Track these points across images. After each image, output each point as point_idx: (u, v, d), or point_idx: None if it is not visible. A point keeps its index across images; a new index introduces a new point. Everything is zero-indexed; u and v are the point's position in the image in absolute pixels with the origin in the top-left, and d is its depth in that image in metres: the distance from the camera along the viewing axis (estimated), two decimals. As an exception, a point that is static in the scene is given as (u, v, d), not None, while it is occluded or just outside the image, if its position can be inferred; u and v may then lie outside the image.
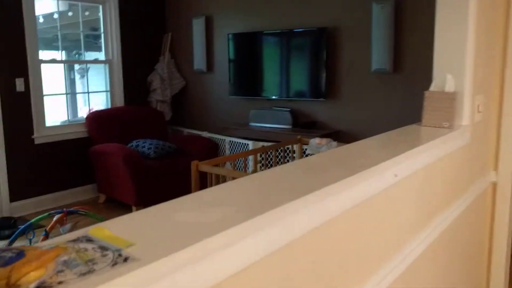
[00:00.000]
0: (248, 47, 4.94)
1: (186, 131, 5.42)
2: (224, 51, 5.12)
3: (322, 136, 3.72)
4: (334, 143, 3.30)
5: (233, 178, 2.57)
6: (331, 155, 1.32)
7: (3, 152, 4.28)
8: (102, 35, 5.16)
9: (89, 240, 0.66)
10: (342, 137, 4.29)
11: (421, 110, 1.85)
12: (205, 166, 2.73)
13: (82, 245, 0.63)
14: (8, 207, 4.36)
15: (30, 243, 3.07)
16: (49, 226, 3.00)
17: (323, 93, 4.39)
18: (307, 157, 1.32)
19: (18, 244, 3.24)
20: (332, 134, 4.22)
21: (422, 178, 1.52)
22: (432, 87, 1.86)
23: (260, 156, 3.65)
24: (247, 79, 4.98)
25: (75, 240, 0.65)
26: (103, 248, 0.63)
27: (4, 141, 4.27)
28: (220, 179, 2.72)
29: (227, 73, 5.10)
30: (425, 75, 3.81)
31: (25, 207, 4.45)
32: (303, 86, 4.61)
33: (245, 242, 0.73)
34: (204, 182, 2.85)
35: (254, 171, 3.36)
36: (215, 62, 5.30)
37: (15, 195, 4.40)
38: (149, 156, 4.47)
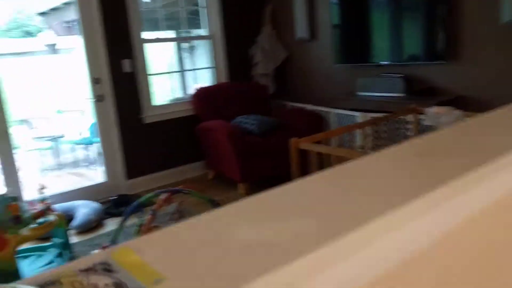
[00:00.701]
0: (353, 9, 4.53)
1: (290, 104, 5.20)
2: (328, 16, 4.77)
3: (440, 104, 3.25)
4: (456, 112, 2.85)
5: (337, 157, 2.30)
6: (458, 132, 1.01)
7: (117, 132, 4.46)
8: (203, 10, 5.10)
9: (106, 269, 0.48)
10: (465, 104, 3.75)
11: None
12: (305, 144, 2.49)
13: (94, 279, 0.46)
14: (125, 184, 4.58)
15: (140, 223, 3.13)
16: (156, 206, 3.03)
17: (441, 54, 3.86)
18: (426, 136, 1.02)
19: (129, 222, 3.33)
20: (453, 101, 3.70)
21: None
22: None
23: (372, 128, 3.31)
24: (353, 44, 4.59)
25: (88, 270, 0.47)
26: (119, 286, 0.44)
27: (118, 122, 4.45)
28: (323, 158, 2.47)
29: (331, 40, 4.76)
30: None
31: (140, 184, 4.64)
32: (417, 48, 4.10)
33: (327, 273, 0.50)
34: (306, 160, 2.62)
35: (362, 147, 3.05)
36: (318, 28, 4.97)
37: (130, 173, 4.60)
38: (253, 132, 4.35)
